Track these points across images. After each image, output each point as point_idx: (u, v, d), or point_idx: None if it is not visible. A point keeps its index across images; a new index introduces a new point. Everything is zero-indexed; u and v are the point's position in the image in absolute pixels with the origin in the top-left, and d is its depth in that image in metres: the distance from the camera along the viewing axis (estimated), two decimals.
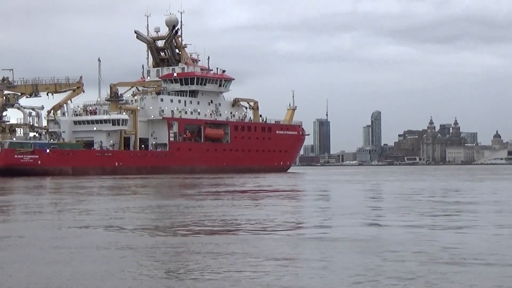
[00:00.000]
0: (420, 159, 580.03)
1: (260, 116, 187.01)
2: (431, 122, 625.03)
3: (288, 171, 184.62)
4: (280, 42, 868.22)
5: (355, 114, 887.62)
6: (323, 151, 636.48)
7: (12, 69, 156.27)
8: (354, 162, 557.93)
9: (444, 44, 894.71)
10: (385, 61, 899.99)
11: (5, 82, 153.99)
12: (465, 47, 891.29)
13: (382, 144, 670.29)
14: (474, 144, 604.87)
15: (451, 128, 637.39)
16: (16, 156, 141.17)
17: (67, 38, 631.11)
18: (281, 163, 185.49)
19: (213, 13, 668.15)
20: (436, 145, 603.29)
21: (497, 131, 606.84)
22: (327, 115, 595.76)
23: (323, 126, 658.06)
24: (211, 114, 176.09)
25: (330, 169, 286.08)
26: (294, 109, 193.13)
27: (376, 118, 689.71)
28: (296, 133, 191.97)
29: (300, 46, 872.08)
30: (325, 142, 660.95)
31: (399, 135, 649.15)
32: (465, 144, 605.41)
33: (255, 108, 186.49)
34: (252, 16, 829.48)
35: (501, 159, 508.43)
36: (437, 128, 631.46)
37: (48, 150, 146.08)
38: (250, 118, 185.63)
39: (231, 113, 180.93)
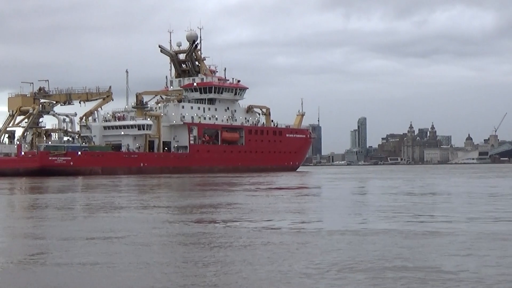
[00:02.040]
0: (401, 159, 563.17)
1: (272, 121, 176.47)
2: (410, 127, 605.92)
3: (297, 170, 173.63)
4: (279, 57, 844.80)
5: (343, 120, 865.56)
6: (315, 152, 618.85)
7: (47, 80, 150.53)
8: (342, 162, 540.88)
9: (423, 58, 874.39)
10: (371, 73, 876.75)
11: (41, 91, 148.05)
12: (442, 61, 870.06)
13: (367, 146, 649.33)
14: (449, 146, 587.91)
15: (428, 132, 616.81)
16: (50, 158, 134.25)
17: (96, 53, 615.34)
18: (291, 163, 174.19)
19: (219, 32, 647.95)
20: (415, 147, 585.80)
21: (469, 135, 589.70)
22: (318, 120, 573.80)
23: (315, 130, 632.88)
24: (227, 120, 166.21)
25: (326, 168, 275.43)
26: (302, 115, 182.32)
27: (362, 123, 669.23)
28: (304, 136, 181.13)
29: (296, 60, 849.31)
30: (317, 145, 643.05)
31: (382, 138, 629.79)
32: (441, 146, 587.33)
33: (267, 114, 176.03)
34: (253, 34, 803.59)
35: (473, 159, 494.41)
36: (416, 132, 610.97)
37: (79, 152, 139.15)
38: (263, 123, 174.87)
39: (245, 118, 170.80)
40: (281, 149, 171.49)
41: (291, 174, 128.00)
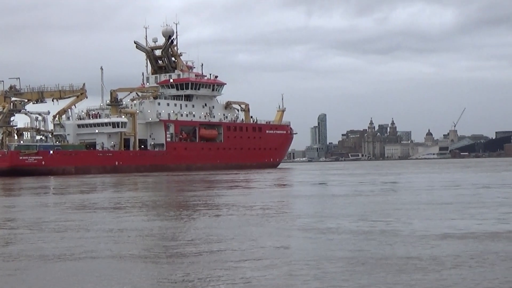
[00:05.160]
0: (362, 155, 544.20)
1: (251, 117, 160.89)
2: (371, 123, 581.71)
3: (278, 167, 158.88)
4: (240, 54, 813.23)
5: (303, 117, 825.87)
6: None
7: (19, 78, 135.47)
8: (304, 159, 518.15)
9: (384, 55, 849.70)
10: (332, 70, 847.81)
11: (12, 89, 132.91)
12: (402, 57, 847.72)
13: (327, 143, 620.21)
14: (409, 142, 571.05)
15: (388, 128, 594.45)
16: (21, 157, 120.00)
17: (59, 52, 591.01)
18: (271, 159, 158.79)
19: (180, 30, 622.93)
20: (376, 143, 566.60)
21: (429, 130, 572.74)
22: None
23: None
24: (205, 116, 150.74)
25: (294, 165, 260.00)
26: (283, 111, 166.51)
27: (322, 119, 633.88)
28: (284, 132, 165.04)
29: (257, 58, 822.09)
30: None
31: (342, 135, 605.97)
32: (401, 142, 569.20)
33: (246, 110, 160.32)
34: (214, 32, 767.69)
35: (434, 154, 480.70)
36: (376, 128, 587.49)
37: (51, 151, 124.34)
38: (242, 119, 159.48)
39: (224, 115, 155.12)
40: (261, 145, 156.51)
41: (274, 171, 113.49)
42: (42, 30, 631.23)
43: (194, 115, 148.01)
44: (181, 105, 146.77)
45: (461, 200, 33.15)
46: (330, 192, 44.51)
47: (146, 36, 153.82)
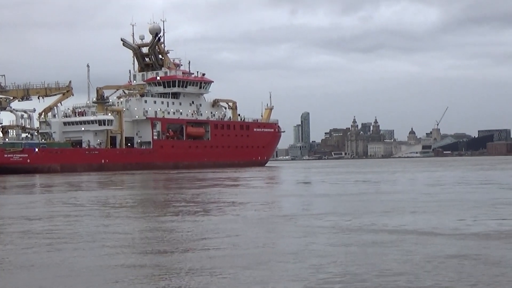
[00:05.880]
0: (345, 153, 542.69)
1: (239, 115, 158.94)
2: (354, 121, 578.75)
3: (266, 165, 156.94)
4: (224, 53, 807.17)
5: (287, 115, 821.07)
6: None
7: (4, 75, 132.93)
8: (287, 157, 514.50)
9: (368, 54, 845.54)
10: (316, 69, 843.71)
11: None
12: (386, 56, 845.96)
13: (310, 141, 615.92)
14: (392, 140, 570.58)
15: (371, 126, 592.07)
16: (5, 155, 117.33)
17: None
18: (259, 157, 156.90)
19: (166, 27, 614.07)
20: (359, 141, 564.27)
21: (412, 128, 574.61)
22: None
23: None
24: (192, 114, 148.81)
25: (279, 163, 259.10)
26: (271, 109, 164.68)
27: (305, 118, 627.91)
28: (272, 130, 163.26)
29: (242, 56, 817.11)
30: None
31: (325, 133, 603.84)
32: (384, 140, 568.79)
33: (233, 108, 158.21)
34: (199, 30, 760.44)
35: (417, 152, 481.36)
36: (359, 126, 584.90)
37: (36, 149, 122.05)
38: (229, 117, 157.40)
39: (211, 112, 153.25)
40: (249, 143, 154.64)
41: (264, 169, 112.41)
42: (27, 28, 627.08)
43: (181, 113, 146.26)
44: (168, 102, 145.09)
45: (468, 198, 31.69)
46: (335, 190, 42.95)
47: (133, 33, 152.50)
